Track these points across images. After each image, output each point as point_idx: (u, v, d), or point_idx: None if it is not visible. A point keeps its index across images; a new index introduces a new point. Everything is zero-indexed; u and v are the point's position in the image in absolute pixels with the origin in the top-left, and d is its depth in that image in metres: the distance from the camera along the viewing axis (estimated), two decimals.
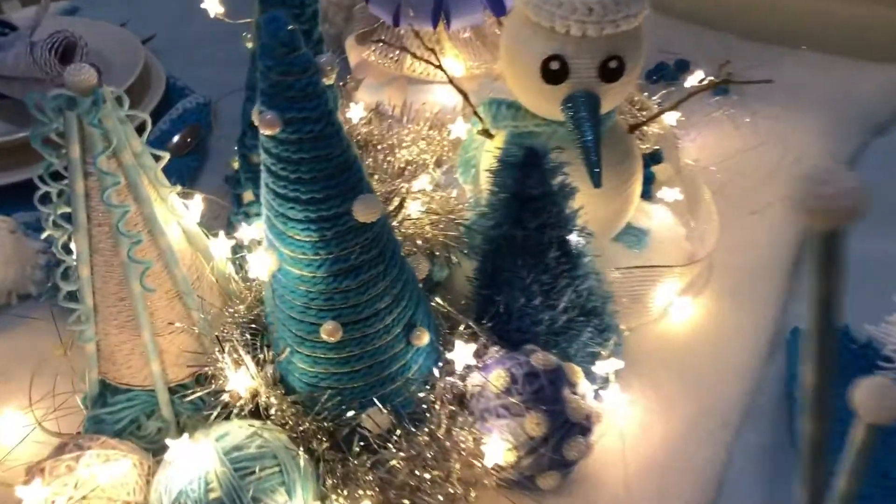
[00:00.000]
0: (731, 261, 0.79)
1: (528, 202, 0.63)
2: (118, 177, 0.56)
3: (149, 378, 0.65)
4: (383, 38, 0.88)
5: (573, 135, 0.68)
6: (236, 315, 0.64)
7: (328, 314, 0.58)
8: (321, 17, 1.19)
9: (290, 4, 0.69)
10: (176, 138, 1.02)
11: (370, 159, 0.78)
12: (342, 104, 0.82)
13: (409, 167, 0.81)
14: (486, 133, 0.78)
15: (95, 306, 0.63)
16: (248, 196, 0.78)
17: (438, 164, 0.84)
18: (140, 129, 0.59)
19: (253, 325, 0.65)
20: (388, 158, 0.78)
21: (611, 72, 0.68)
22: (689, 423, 0.67)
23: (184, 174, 0.98)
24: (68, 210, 0.59)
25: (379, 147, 0.80)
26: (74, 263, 0.61)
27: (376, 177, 0.74)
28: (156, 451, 0.63)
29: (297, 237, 0.56)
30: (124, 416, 0.65)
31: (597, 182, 0.67)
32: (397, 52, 0.87)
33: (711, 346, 0.73)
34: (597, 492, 0.63)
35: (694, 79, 0.91)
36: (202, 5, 0.79)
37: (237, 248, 0.70)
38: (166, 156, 0.60)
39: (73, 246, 0.60)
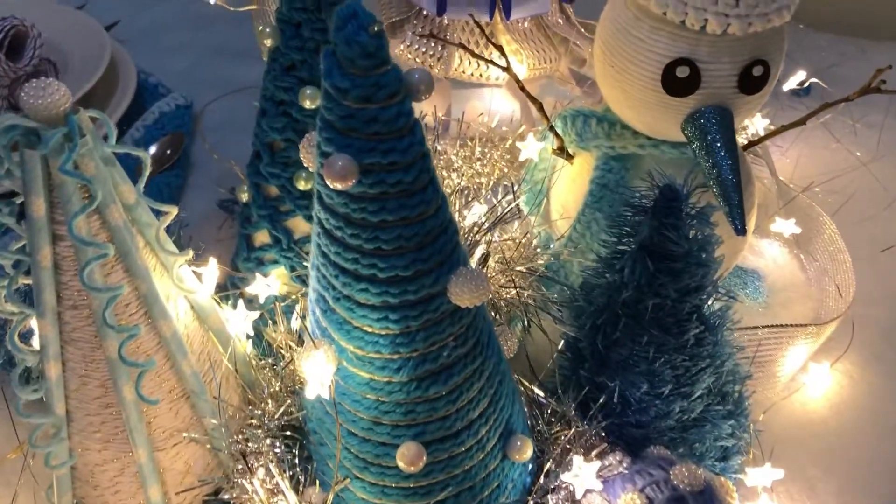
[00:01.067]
0: (869, 313, 0.63)
1: (664, 261, 0.47)
2: (105, 247, 0.38)
3: None
4: (421, 29, 0.70)
5: (703, 163, 0.52)
6: (264, 417, 0.47)
7: (407, 433, 0.41)
8: None
9: None
10: (153, 149, 0.84)
11: None
12: None
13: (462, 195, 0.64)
14: (564, 153, 0.61)
15: (69, 413, 0.45)
16: (261, 237, 0.61)
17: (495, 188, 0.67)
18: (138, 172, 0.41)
19: (287, 432, 0.47)
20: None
21: (753, 80, 0.52)
22: None
23: (164, 195, 0.80)
24: (27, 282, 0.41)
25: None
26: (36, 361, 0.43)
27: None
28: None
29: (370, 329, 0.39)
30: None
31: (740, 227, 0.51)
32: (440, 47, 0.69)
33: (860, 426, 0.58)
34: None
35: (794, 80, 0.75)
36: None
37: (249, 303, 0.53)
38: (174, 210, 0.42)
39: (34, 336, 0.42)
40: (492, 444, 0.44)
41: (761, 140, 0.63)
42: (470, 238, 0.53)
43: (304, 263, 0.58)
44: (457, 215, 0.61)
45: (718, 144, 0.51)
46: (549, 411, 0.51)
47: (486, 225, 0.54)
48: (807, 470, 0.55)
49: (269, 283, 0.54)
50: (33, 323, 0.43)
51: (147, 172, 0.40)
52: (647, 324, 0.48)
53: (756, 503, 0.51)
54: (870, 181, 0.75)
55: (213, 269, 0.46)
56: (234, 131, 0.82)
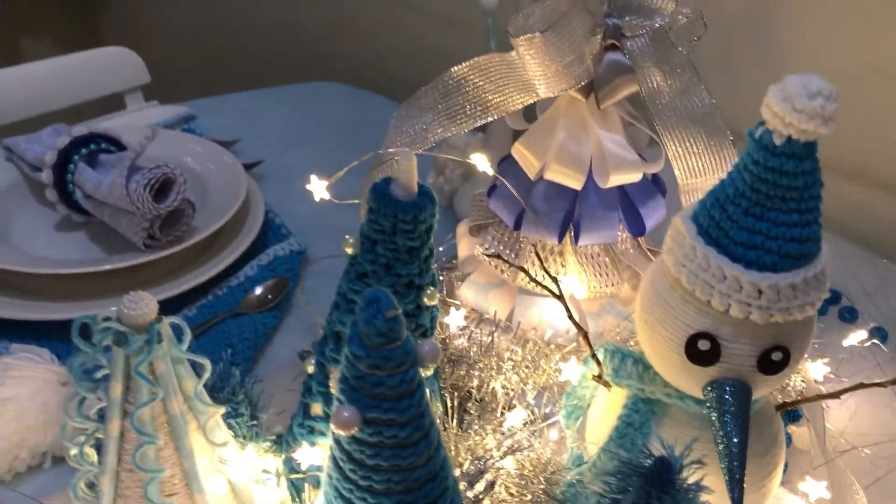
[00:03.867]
0: None
1: None
2: (157, 438, 0.47)
3: None
4: (500, 235, 0.77)
5: (714, 431, 0.55)
6: None
7: None
8: (436, 171, 1.11)
9: (402, 220, 0.59)
10: (259, 290, 0.94)
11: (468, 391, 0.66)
12: (441, 310, 0.72)
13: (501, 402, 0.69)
14: (602, 380, 0.65)
15: None
16: (316, 409, 0.68)
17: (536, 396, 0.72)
18: (197, 374, 0.49)
19: None
20: (481, 392, 0.67)
21: (772, 364, 0.55)
22: None
23: (258, 333, 0.89)
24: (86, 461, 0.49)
25: (473, 372, 0.69)
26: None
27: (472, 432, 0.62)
28: None
29: None
30: None
31: (737, 499, 0.54)
32: (513, 255, 0.76)
33: None
34: None
35: (857, 336, 0.77)
36: (307, 187, 0.71)
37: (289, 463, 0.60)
38: (220, 410, 0.50)
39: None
40: None
41: (811, 399, 0.66)
42: (483, 463, 0.58)
43: None
44: (499, 413, 0.67)
45: (729, 417, 0.55)
46: None
47: (500, 453, 0.58)
48: None
49: (315, 452, 0.61)
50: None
51: (206, 375, 0.48)
52: None
53: None
54: None
55: (250, 454, 0.54)
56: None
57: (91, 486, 0.51)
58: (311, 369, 0.70)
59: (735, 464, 0.54)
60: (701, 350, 0.55)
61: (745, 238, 0.53)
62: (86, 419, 0.48)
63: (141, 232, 0.92)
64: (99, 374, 0.48)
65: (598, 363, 0.65)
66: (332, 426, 0.41)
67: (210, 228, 0.96)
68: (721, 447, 0.54)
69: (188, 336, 0.48)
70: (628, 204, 0.73)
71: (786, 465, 0.71)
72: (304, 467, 0.62)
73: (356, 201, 0.76)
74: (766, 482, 0.62)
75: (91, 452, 0.50)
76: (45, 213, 1.04)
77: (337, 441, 0.43)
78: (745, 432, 0.55)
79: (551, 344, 0.74)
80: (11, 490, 0.73)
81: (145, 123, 1.26)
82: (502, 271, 0.77)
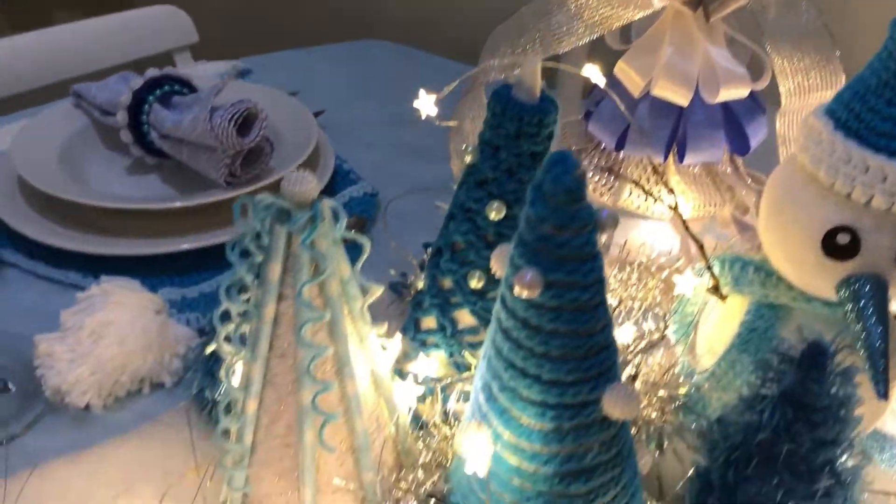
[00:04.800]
0: None
1: (803, 410, 0.50)
2: (323, 313, 0.46)
3: None
4: (597, 160, 0.77)
5: (854, 326, 0.55)
6: (413, 483, 0.53)
7: None
8: None
9: (527, 123, 0.59)
10: None
11: None
12: None
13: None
14: (717, 292, 0.65)
15: (253, 445, 0.52)
16: (428, 322, 0.68)
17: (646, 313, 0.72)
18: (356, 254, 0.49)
19: (431, 501, 0.53)
20: None
21: None
22: None
23: None
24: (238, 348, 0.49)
25: None
26: (239, 396, 0.51)
27: None
28: None
29: (527, 422, 0.44)
30: None
31: (883, 392, 0.53)
32: (613, 178, 0.76)
33: None
34: None
35: None
36: (415, 104, 0.70)
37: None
38: (379, 290, 0.50)
39: (236, 375, 0.50)
40: None
41: None
42: (622, 357, 0.58)
43: (463, 351, 0.65)
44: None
45: (870, 311, 0.54)
46: None
47: (640, 346, 0.58)
48: None
49: (431, 363, 0.61)
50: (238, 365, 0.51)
51: (365, 255, 0.48)
52: (779, 467, 0.51)
53: None
54: None
55: (396, 343, 0.54)
56: (411, 224, 0.91)
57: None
58: (420, 285, 0.69)
59: (878, 357, 0.53)
60: (840, 244, 0.55)
61: (889, 128, 0.53)
62: (242, 302, 0.48)
63: (222, 168, 0.91)
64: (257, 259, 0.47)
65: (713, 275, 0.65)
66: (513, 288, 0.41)
67: (289, 167, 0.96)
68: (862, 341, 0.54)
69: (344, 219, 0.47)
70: (732, 122, 0.72)
71: None
72: (419, 379, 0.62)
73: (453, 122, 0.76)
74: (892, 384, 0.62)
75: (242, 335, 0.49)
76: (116, 157, 1.04)
77: (509, 310, 0.43)
78: (886, 324, 0.54)
79: (653, 266, 0.74)
80: (112, 413, 0.73)
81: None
82: (601, 195, 0.77)
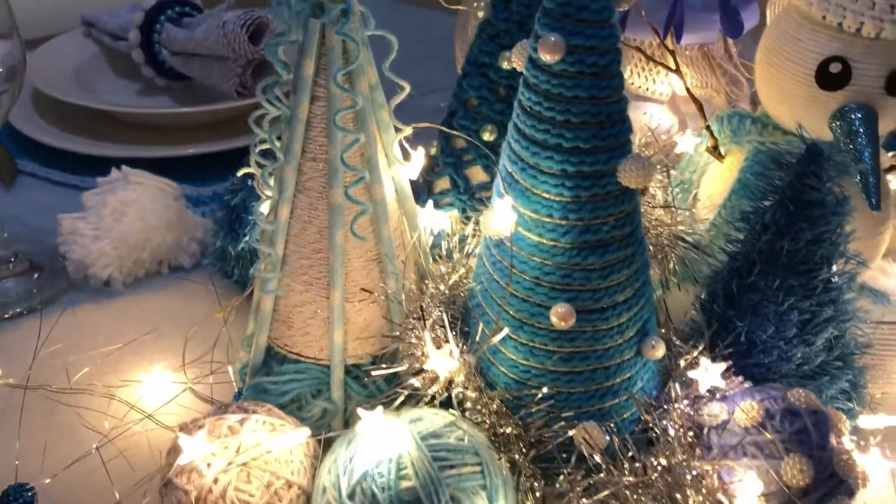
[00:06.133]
0: None
1: (804, 208, 0.53)
2: (357, 98, 0.49)
3: (324, 350, 0.56)
4: None
5: (847, 151, 0.58)
6: (436, 293, 0.56)
7: (561, 294, 0.49)
8: None
9: None
10: None
11: None
12: None
13: None
14: (716, 152, 0.69)
15: (285, 256, 0.55)
16: (441, 184, 0.71)
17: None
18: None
19: (451, 310, 0.56)
20: None
21: None
22: None
23: None
24: (276, 146, 0.52)
25: None
26: (273, 201, 0.54)
27: None
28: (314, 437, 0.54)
29: (547, 195, 0.48)
30: (290, 390, 0.56)
31: (875, 202, 0.57)
32: None
33: None
34: None
35: None
36: None
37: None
38: (406, 87, 0.53)
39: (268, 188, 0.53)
40: (629, 334, 0.51)
41: None
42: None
43: (476, 207, 0.68)
44: None
45: (861, 135, 0.58)
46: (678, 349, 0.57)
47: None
48: None
49: (439, 214, 0.63)
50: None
51: (394, 54, 0.51)
52: (780, 268, 0.55)
53: (866, 454, 0.54)
54: None
55: (420, 156, 0.57)
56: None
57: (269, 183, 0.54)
58: (433, 150, 0.72)
59: (870, 175, 0.57)
60: (832, 73, 0.59)
61: None
62: (277, 101, 0.51)
63: (234, 78, 0.94)
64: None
65: (712, 135, 0.68)
66: (537, 56, 0.44)
67: None
68: (854, 162, 0.58)
69: (371, 21, 0.50)
70: (727, 6, 0.76)
71: None
72: (435, 232, 0.65)
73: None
74: (879, 230, 0.65)
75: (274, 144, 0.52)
76: (127, 84, 1.07)
77: (531, 88, 0.46)
78: (876, 148, 0.58)
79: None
80: (133, 291, 0.75)
81: None
82: None
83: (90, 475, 0.53)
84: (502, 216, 0.48)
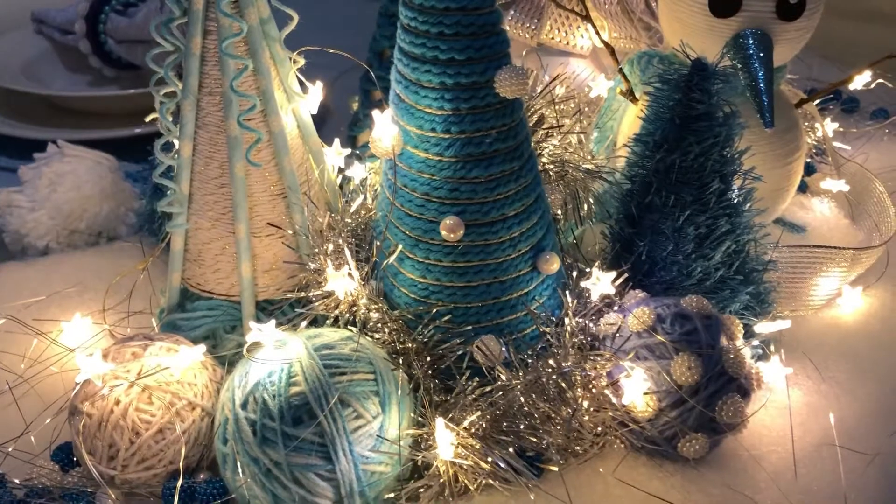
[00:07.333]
0: None
1: (691, 121, 0.55)
2: (242, 24, 0.51)
3: (235, 287, 0.57)
4: (523, 7, 0.83)
5: (742, 74, 0.60)
6: (341, 225, 0.57)
7: (450, 209, 0.50)
8: None
9: None
10: None
11: None
12: None
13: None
14: (630, 95, 0.70)
15: (191, 195, 0.56)
16: (364, 137, 0.72)
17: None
18: None
19: (356, 240, 0.57)
20: None
21: (789, 7, 0.60)
22: (866, 409, 0.55)
23: None
24: (174, 81, 0.54)
25: None
26: (174, 136, 0.55)
27: None
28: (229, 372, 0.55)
29: (429, 110, 0.49)
30: (202, 325, 0.57)
31: (769, 120, 0.58)
32: (536, 20, 0.81)
33: (888, 335, 0.61)
34: (754, 471, 0.50)
35: (860, 80, 0.82)
36: None
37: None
38: (295, 18, 0.55)
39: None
40: (523, 249, 0.52)
41: (815, 97, 0.71)
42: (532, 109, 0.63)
43: None
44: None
45: (754, 58, 0.60)
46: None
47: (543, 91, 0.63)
48: (826, 357, 0.59)
49: (363, 169, 0.64)
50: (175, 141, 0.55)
51: None
52: (674, 185, 0.56)
53: (767, 363, 0.55)
54: None
55: (318, 90, 0.58)
56: None
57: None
58: (355, 105, 0.74)
59: (763, 94, 0.59)
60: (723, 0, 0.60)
61: None
62: (171, 35, 0.53)
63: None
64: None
65: (625, 78, 0.70)
66: None
67: None
68: (748, 82, 0.59)
69: None
70: None
71: (811, 168, 0.76)
72: (357, 181, 0.66)
73: None
74: (790, 159, 0.67)
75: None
76: (77, 79, 1.09)
77: (409, 4, 0.48)
78: (769, 71, 0.59)
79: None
80: (68, 254, 0.76)
81: None
82: (527, 36, 0.82)
83: (3, 411, 0.54)
84: (383, 130, 0.49)
